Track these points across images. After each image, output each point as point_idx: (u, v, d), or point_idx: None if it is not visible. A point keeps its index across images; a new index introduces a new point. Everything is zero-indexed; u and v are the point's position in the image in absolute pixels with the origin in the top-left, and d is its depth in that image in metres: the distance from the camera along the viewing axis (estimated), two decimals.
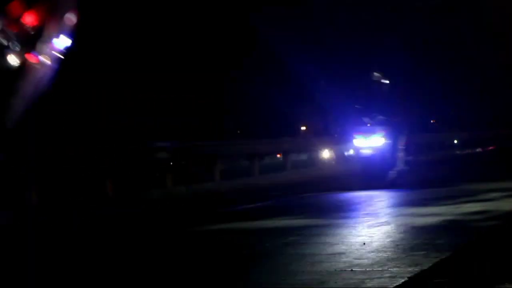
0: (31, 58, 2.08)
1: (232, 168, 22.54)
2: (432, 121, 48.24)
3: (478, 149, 36.36)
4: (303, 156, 27.14)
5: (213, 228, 10.57)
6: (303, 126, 36.37)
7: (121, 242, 9.72)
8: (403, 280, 5.83)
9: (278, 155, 26.35)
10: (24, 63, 2.05)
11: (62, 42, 2.16)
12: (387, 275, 6.09)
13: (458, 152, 35.65)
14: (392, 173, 16.84)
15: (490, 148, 36.15)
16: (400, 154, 17.25)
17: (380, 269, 6.37)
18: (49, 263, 7.87)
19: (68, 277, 7.15)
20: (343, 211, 12.02)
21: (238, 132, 32.18)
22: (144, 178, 17.89)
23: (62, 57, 2.06)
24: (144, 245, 9.28)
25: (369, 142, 17.03)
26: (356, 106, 18.72)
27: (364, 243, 7.87)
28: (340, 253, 7.34)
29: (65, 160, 15.40)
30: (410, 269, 6.26)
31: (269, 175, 21.30)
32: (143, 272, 7.08)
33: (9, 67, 2.03)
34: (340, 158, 25.95)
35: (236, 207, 13.90)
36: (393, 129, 17.25)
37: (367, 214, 11.33)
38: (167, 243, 9.30)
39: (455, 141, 38.65)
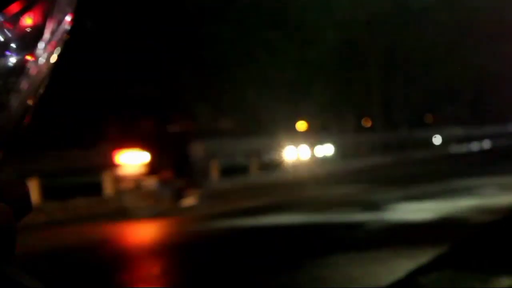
0: (29, 57, 2.08)
1: None
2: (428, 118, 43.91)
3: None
4: None
5: None
6: None
7: None
8: (400, 275, 5.85)
9: None
10: (22, 62, 2.06)
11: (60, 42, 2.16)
12: (385, 270, 6.11)
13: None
14: None
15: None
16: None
17: (378, 263, 6.40)
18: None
19: None
20: None
21: None
22: None
23: (59, 55, 2.06)
24: None
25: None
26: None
27: None
28: None
29: None
30: (408, 263, 6.28)
31: None
32: None
33: (7, 66, 2.03)
34: None
35: None
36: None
37: None
38: None
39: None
